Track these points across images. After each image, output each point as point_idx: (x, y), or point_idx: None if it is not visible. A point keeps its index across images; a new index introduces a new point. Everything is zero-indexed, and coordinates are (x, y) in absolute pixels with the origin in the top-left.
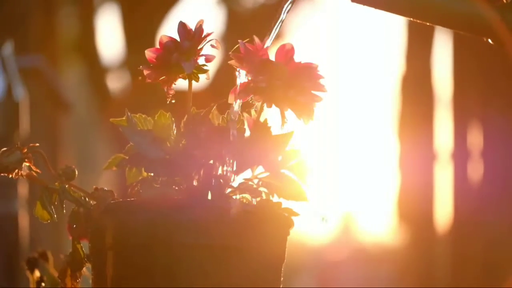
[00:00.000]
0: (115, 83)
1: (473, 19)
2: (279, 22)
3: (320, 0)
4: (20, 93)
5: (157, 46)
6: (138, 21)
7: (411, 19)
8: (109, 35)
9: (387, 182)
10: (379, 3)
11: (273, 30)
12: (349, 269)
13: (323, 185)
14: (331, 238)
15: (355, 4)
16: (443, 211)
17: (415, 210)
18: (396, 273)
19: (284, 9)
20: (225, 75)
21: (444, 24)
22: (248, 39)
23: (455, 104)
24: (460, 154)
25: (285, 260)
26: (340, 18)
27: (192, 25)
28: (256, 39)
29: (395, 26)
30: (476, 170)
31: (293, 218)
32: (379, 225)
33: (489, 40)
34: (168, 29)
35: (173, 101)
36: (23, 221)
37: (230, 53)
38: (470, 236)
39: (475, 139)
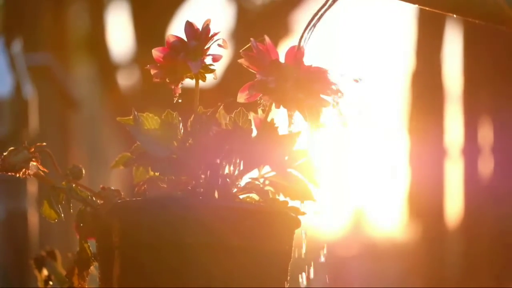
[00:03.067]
0: (124, 80)
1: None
2: (315, 23)
3: None
4: (29, 91)
5: (172, 35)
6: (148, 19)
7: (428, 8)
8: (119, 32)
9: (398, 178)
10: None
11: (308, 30)
12: (360, 265)
13: (334, 181)
14: (341, 234)
15: None
16: (454, 206)
17: (426, 205)
18: (406, 268)
19: (324, 8)
20: (234, 73)
21: (476, 17)
22: (261, 39)
23: (465, 100)
24: (471, 150)
25: (291, 259)
26: (350, 14)
27: (199, 25)
28: (267, 39)
29: (406, 21)
30: (486, 165)
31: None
32: (389, 221)
33: None
34: (178, 26)
35: (180, 100)
36: (33, 219)
37: (241, 51)
38: (481, 232)
39: (486, 134)
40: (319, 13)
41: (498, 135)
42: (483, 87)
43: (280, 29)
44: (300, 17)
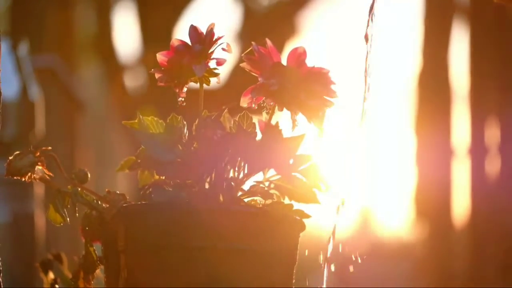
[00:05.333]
0: (130, 82)
1: None
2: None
3: None
4: (36, 93)
5: (176, 39)
6: (154, 19)
7: None
8: (125, 33)
9: (405, 177)
10: None
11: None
12: (367, 264)
13: (342, 180)
14: (349, 233)
15: None
16: (461, 206)
17: (433, 205)
18: (414, 268)
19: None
20: (242, 74)
21: None
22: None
23: (472, 99)
24: (478, 149)
25: (296, 262)
26: (356, 13)
27: (204, 28)
28: (269, 42)
29: (412, 21)
30: (493, 165)
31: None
32: (397, 220)
33: None
34: (184, 27)
35: (184, 103)
36: (39, 220)
37: (242, 55)
38: (488, 231)
39: (493, 134)
40: None
41: (505, 134)
42: (490, 87)
43: (287, 30)
44: (307, 18)
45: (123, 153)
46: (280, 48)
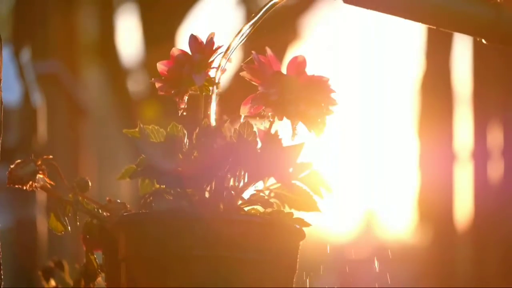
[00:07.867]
0: (134, 86)
1: (467, 18)
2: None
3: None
4: (38, 99)
5: (176, 48)
6: (157, 24)
7: (406, 19)
8: (128, 39)
9: (408, 180)
10: (372, 3)
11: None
12: (370, 267)
13: (344, 184)
14: (352, 237)
15: (347, 5)
16: (464, 209)
17: (436, 208)
18: (417, 271)
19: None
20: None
21: (438, 24)
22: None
23: (475, 103)
24: (480, 153)
25: (296, 271)
26: (359, 17)
27: (203, 37)
28: (269, 51)
29: (415, 24)
30: (496, 169)
31: (311, 218)
32: (400, 224)
33: (483, 40)
34: (187, 31)
35: (185, 113)
36: (42, 227)
37: (242, 64)
38: (490, 234)
39: (495, 138)
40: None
41: (508, 138)
42: (492, 90)
43: (290, 35)
44: (311, 18)
45: (126, 159)
46: (283, 52)
